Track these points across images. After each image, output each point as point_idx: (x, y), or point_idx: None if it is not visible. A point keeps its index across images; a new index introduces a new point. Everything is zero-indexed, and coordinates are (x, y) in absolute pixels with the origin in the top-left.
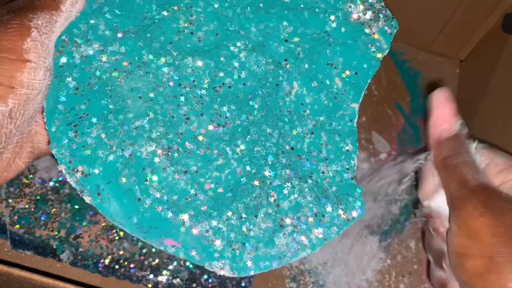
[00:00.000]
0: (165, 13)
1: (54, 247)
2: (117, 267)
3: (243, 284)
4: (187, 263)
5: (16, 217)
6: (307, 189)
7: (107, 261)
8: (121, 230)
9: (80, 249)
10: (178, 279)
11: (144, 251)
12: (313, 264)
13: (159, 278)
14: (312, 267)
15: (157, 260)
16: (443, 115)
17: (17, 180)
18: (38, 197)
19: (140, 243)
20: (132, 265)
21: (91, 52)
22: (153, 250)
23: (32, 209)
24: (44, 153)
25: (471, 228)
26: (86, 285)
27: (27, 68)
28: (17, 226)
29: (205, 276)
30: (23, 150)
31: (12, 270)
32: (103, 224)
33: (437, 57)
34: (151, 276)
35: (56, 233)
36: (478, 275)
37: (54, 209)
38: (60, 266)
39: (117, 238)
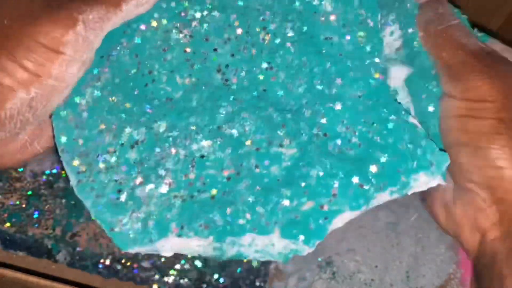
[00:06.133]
0: None
1: (49, 246)
2: (119, 267)
3: (257, 284)
4: (196, 262)
5: (6, 215)
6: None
7: (108, 261)
8: None
9: (77, 249)
10: (186, 279)
11: None
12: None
13: (166, 279)
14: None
15: (163, 259)
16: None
17: (5, 173)
18: (30, 192)
19: None
20: (135, 265)
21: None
22: None
23: (24, 206)
24: None
25: (478, 91)
26: (86, 287)
27: (59, 60)
28: (8, 224)
29: (216, 276)
30: (43, 134)
31: (6, 272)
32: None
33: None
34: (157, 276)
35: (51, 231)
36: (484, 134)
37: (48, 205)
38: (56, 267)
39: None
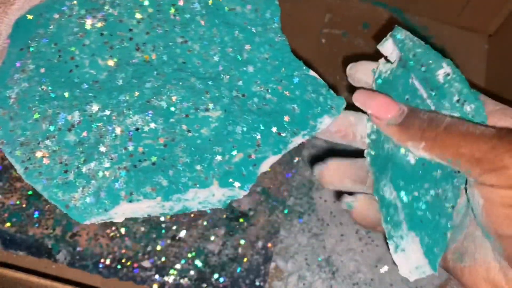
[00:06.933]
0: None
1: (49, 246)
2: (119, 267)
3: (257, 284)
4: (196, 262)
5: (6, 215)
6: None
7: (108, 261)
8: (122, 226)
9: (77, 249)
10: (186, 279)
11: (148, 249)
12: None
13: (166, 278)
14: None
15: (163, 259)
16: (380, 105)
17: (6, 174)
18: (30, 192)
19: (143, 241)
20: (135, 265)
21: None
22: (158, 248)
23: (24, 206)
24: None
25: None
26: (86, 287)
27: None
28: (8, 224)
29: (216, 276)
30: None
31: (6, 272)
32: None
33: (464, 32)
34: (157, 276)
35: (51, 231)
36: None
37: (48, 205)
38: (56, 267)
39: (118, 235)
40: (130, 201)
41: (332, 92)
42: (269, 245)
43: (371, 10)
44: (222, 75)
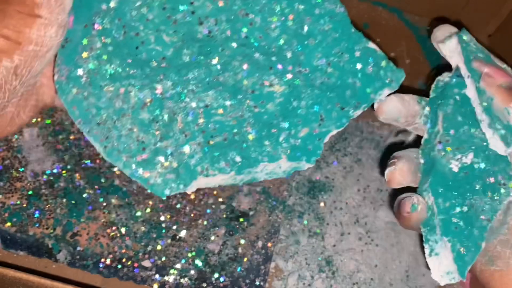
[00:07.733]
0: None
1: (50, 246)
2: (119, 266)
3: (257, 283)
4: (196, 262)
5: (6, 214)
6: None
7: (108, 261)
8: (122, 226)
9: (78, 248)
10: (186, 279)
11: (148, 248)
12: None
13: (166, 278)
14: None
15: (163, 259)
16: (497, 69)
17: (6, 173)
18: (31, 192)
19: (144, 241)
20: (135, 265)
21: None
22: (158, 248)
23: (24, 205)
24: (48, 106)
25: None
26: (87, 286)
27: (37, 24)
28: (8, 224)
29: (216, 275)
30: (27, 103)
31: (6, 272)
32: (103, 220)
33: None
34: (157, 276)
35: (51, 231)
36: None
37: (49, 205)
38: (57, 267)
39: (118, 235)
40: (206, 176)
41: (392, 64)
42: (269, 244)
43: (371, 10)
44: (284, 50)
